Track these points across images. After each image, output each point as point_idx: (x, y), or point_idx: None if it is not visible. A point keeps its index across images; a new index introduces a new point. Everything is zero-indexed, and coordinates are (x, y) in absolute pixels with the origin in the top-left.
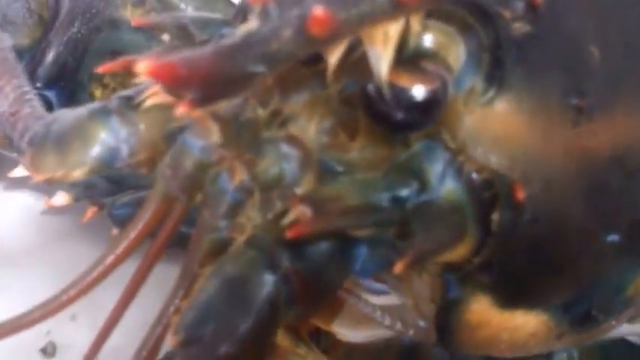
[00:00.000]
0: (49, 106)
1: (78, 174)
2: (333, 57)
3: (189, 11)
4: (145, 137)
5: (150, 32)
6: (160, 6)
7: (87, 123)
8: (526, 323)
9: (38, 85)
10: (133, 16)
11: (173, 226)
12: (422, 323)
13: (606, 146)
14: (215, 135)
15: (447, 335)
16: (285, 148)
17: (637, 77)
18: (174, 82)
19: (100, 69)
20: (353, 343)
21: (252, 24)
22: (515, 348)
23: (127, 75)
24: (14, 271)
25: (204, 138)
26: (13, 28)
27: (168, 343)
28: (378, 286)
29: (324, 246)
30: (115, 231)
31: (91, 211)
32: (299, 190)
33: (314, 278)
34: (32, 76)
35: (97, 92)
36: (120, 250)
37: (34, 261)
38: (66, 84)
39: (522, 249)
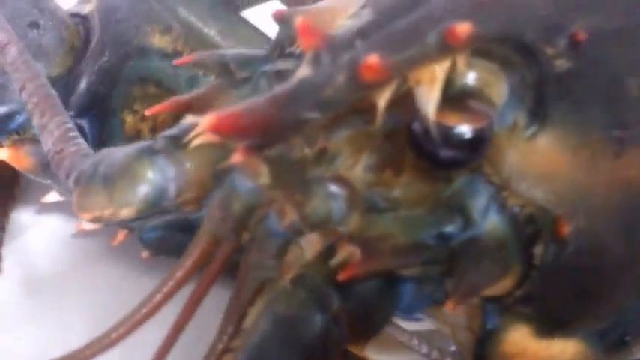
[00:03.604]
0: (82, 134)
1: (125, 214)
2: (382, 99)
3: (225, 48)
4: (192, 177)
5: (176, 60)
6: (186, 32)
7: (134, 162)
8: (563, 352)
9: (71, 113)
10: (160, 43)
11: (219, 265)
12: (458, 351)
13: None
14: (264, 177)
15: None
16: (333, 187)
17: None
18: (236, 135)
19: (150, 111)
20: None
21: (304, 71)
22: None
23: (157, 102)
24: (46, 294)
25: (253, 179)
26: (46, 58)
27: None
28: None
29: (371, 284)
30: (144, 253)
31: (121, 234)
32: (346, 229)
33: (362, 317)
34: (65, 105)
35: (129, 118)
36: (167, 288)
37: (66, 283)
38: (98, 111)
39: (563, 281)
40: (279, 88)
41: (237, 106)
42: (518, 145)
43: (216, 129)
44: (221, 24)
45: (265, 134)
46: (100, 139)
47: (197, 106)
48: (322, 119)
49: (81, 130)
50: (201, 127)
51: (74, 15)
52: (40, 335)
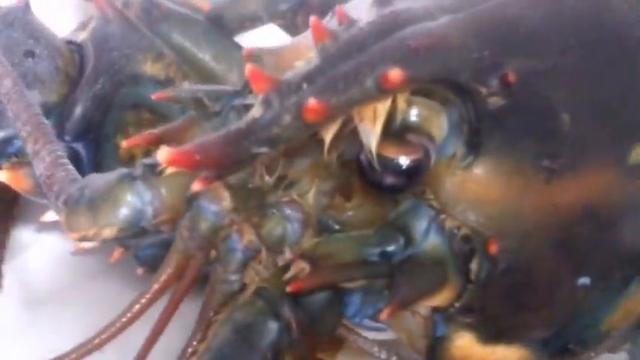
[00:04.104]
0: (78, 158)
1: (108, 233)
2: (328, 135)
3: (219, 71)
4: (166, 200)
5: (169, 86)
6: (179, 58)
7: (115, 187)
8: (507, 357)
9: (67, 138)
10: (153, 70)
11: (191, 279)
12: (415, 357)
13: (577, 201)
14: (226, 201)
15: None
16: (288, 210)
17: (606, 137)
18: (191, 167)
19: (127, 142)
20: None
21: (256, 111)
22: None
23: (149, 127)
24: (45, 309)
25: (216, 203)
26: (42, 86)
27: None
28: (376, 323)
29: (320, 296)
30: (139, 270)
31: (117, 252)
32: (299, 248)
33: (312, 324)
34: (61, 131)
35: (122, 143)
36: (145, 299)
37: (64, 298)
38: (93, 137)
39: (499, 294)
40: (233, 126)
41: (193, 142)
42: (456, 173)
43: (172, 163)
44: (215, 48)
45: (220, 167)
46: (95, 163)
47: (171, 138)
48: (271, 153)
49: (76, 154)
50: (159, 160)
51: (69, 42)
52: (39, 346)
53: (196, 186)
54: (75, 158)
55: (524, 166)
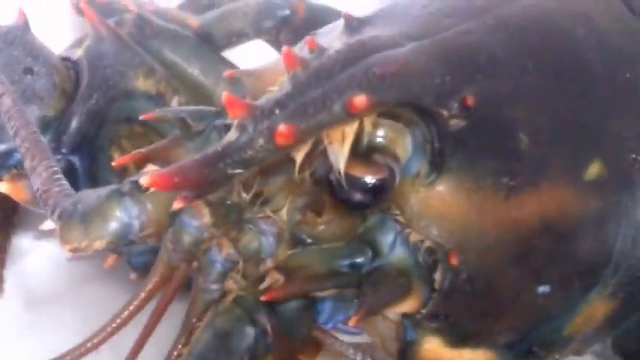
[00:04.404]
0: (74, 169)
1: (98, 245)
2: (299, 155)
3: (207, 85)
4: (152, 215)
5: (160, 100)
6: (169, 73)
7: (105, 203)
8: (474, 359)
9: (64, 150)
10: (144, 85)
11: (175, 287)
12: (389, 358)
13: (535, 216)
14: (206, 217)
15: None
16: (263, 225)
17: (563, 155)
18: (170, 189)
19: (117, 162)
20: None
21: (231, 135)
22: None
23: (142, 140)
24: (44, 311)
25: (197, 219)
26: (40, 101)
27: None
28: (351, 327)
29: (294, 304)
30: (132, 275)
31: (111, 258)
32: (274, 260)
33: (286, 330)
34: (58, 143)
35: (116, 155)
36: (133, 306)
37: (62, 302)
38: (88, 149)
39: (462, 302)
40: (210, 150)
41: (172, 166)
42: (420, 190)
43: (153, 185)
44: (203, 63)
45: (197, 187)
46: (90, 174)
47: (157, 157)
48: (246, 174)
49: (72, 165)
50: (142, 183)
51: (65, 59)
52: (39, 347)
53: (177, 205)
54: (71, 169)
55: (484, 183)
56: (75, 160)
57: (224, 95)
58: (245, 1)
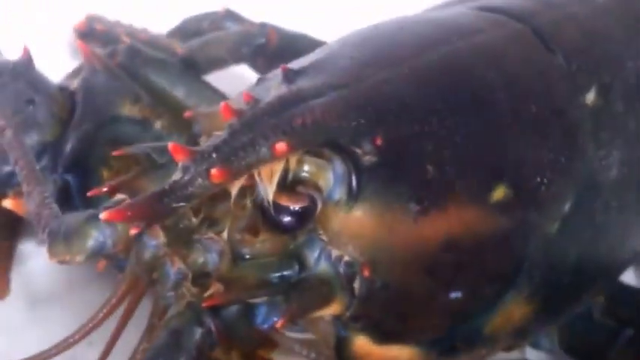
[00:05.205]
0: (69, 187)
1: (79, 259)
2: (234, 189)
3: (190, 107)
4: (121, 235)
5: (145, 124)
6: (153, 100)
7: (84, 225)
8: (400, 355)
9: (60, 170)
10: (131, 112)
11: (139, 294)
12: (329, 353)
13: (442, 234)
14: (161, 237)
15: None
16: (209, 244)
17: (468, 181)
18: (125, 221)
19: (92, 192)
20: None
21: (176, 175)
22: None
23: (128, 160)
24: (47, 309)
25: (155, 239)
26: (40, 128)
27: None
28: (299, 326)
29: (235, 308)
30: (120, 276)
31: (101, 263)
32: (217, 272)
33: (228, 330)
34: (55, 164)
35: (105, 173)
36: (107, 308)
37: (63, 300)
38: (81, 169)
39: (379, 306)
40: (158, 188)
41: (125, 203)
42: (339, 215)
43: (110, 219)
44: (187, 87)
45: (147, 219)
46: (83, 190)
47: (125, 187)
48: (188, 206)
49: (67, 183)
50: (103, 217)
51: (63, 88)
52: (42, 340)
53: (133, 231)
54: (66, 187)
55: (394, 208)
56: (69, 178)
57: (170, 144)
58: (226, 30)
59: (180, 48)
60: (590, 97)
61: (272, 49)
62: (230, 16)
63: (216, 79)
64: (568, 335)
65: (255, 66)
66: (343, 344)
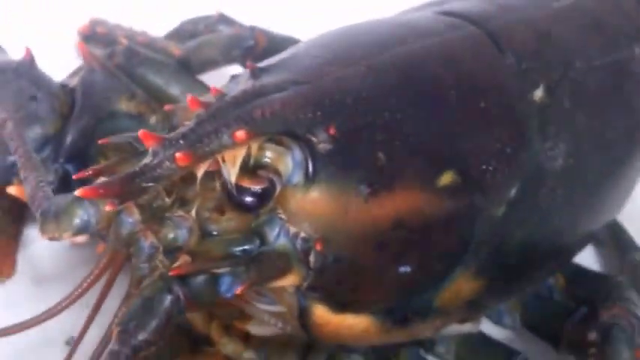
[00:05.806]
0: (69, 176)
1: (67, 236)
2: (199, 172)
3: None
4: (103, 214)
5: (140, 119)
6: (148, 97)
7: (70, 205)
8: (357, 323)
9: (61, 160)
10: (127, 107)
11: (119, 265)
12: (294, 323)
13: (391, 214)
14: (137, 215)
15: (307, 331)
16: (179, 221)
17: (417, 167)
18: (100, 197)
19: (78, 175)
20: (266, 336)
21: (147, 159)
22: (355, 340)
23: (124, 151)
24: (51, 289)
25: (131, 217)
26: (42, 122)
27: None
28: (268, 298)
29: (201, 278)
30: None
31: (100, 246)
32: (186, 247)
33: (195, 297)
34: (56, 155)
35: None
36: (91, 279)
37: (66, 281)
38: (80, 160)
39: (333, 278)
40: (130, 169)
41: (98, 181)
42: (297, 196)
43: (84, 196)
44: (182, 86)
45: (119, 196)
46: (82, 179)
47: (109, 171)
48: (157, 186)
49: (68, 173)
50: (78, 193)
51: (64, 86)
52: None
53: (108, 208)
54: (67, 176)
55: (347, 190)
56: (70, 168)
57: (140, 131)
58: (218, 33)
59: (177, 49)
60: (538, 94)
61: (260, 51)
62: (223, 19)
63: (210, 78)
64: (529, 313)
65: (245, 66)
66: (305, 313)
